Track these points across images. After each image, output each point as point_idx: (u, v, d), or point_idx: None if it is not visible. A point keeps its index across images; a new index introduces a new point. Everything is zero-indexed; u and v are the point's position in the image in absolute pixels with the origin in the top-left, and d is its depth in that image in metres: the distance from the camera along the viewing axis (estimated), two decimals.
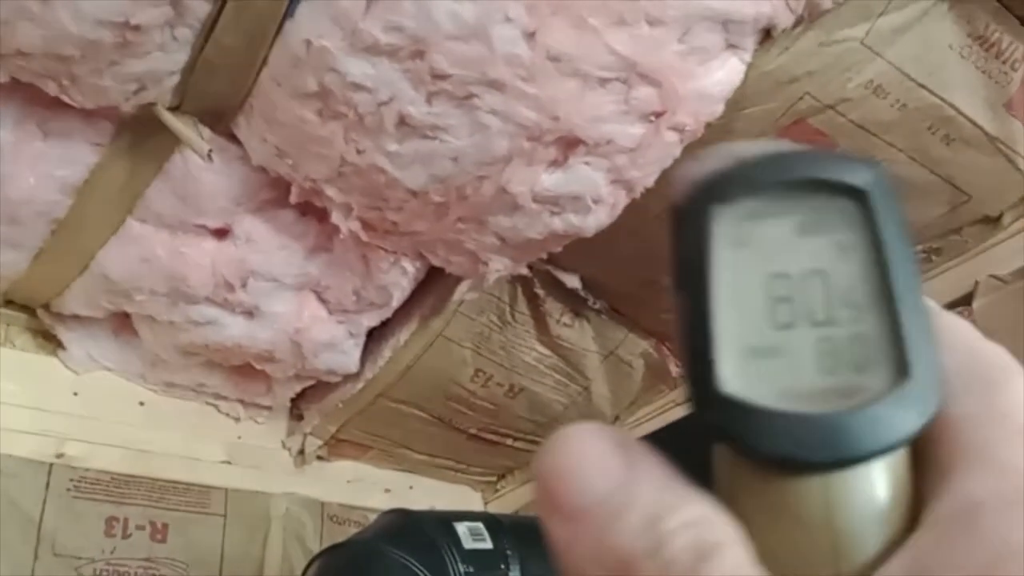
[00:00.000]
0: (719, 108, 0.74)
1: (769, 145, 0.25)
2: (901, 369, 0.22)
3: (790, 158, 0.24)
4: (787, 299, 0.23)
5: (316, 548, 1.12)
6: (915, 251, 0.25)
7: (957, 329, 0.24)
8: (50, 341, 1.08)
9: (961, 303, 0.89)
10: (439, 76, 0.71)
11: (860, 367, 0.22)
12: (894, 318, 0.22)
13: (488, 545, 0.77)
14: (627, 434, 0.22)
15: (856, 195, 0.23)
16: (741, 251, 0.23)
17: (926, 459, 0.22)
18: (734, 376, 0.22)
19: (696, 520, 0.20)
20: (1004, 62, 0.79)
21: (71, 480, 1.01)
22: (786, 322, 0.23)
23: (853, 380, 0.22)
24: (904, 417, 0.21)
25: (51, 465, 1.00)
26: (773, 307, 0.23)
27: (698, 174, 0.24)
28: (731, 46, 0.74)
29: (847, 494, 0.21)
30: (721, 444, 0.23)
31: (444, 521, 0.79)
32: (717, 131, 0.76)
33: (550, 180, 0.79)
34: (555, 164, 0.78)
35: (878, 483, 0.22)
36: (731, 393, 0.22)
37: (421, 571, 0.73)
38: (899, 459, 0.22)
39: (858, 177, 0.23)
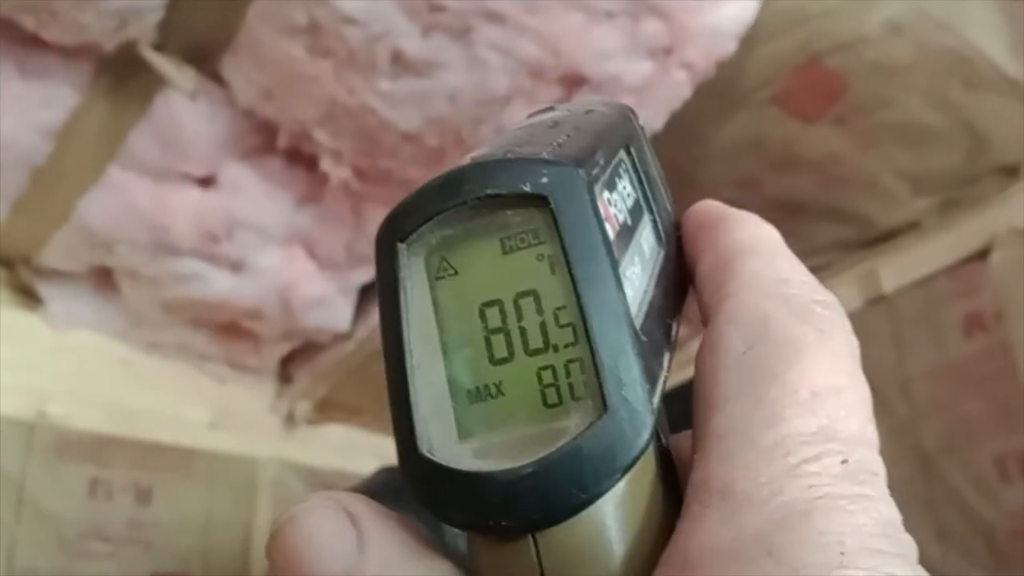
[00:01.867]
0: (731, 46, 0.71)
1: (451, 169, 0.23)
2: (600, 400, 0.20)
3: (468, 175, 0.22)
4: (501, 329, 0.21)
5: None
6: (612, 250, 0.21)
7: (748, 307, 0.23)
8: (30, 297, 1.04)
9: (977, 257, 0.86)
10: (436, 8, 0.68)
11: (575, 398, 0.20)
12: (590, 342, 0.20)
13: None
14: (360, 501, 0.22)
15: (540, 202, 0.21)
16: (444, 285, 0.22)
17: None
18: (436, 433, 0.21)
19: None
20: None
21: (53, 440, 0.98)
22: (503, 356, 0.21)
23: (568, 415, 0.20)
24: (604, 459, 0.19)
25: (33, 424, 0.97)
26: (488, 341, 0.21)
27: (393, 208, 0.23)
28: None
29: (563, 546, 0.20)
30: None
31: None
32: (729, 70, 0.72)
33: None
34: (559, 104, 0.74)
35: (601, 522, 0.20)
36: (427, 454, 0.20)
37: (417, 527, 0.70)
38: (637, 475, 0.20)
39: (534, 182, 0.21)
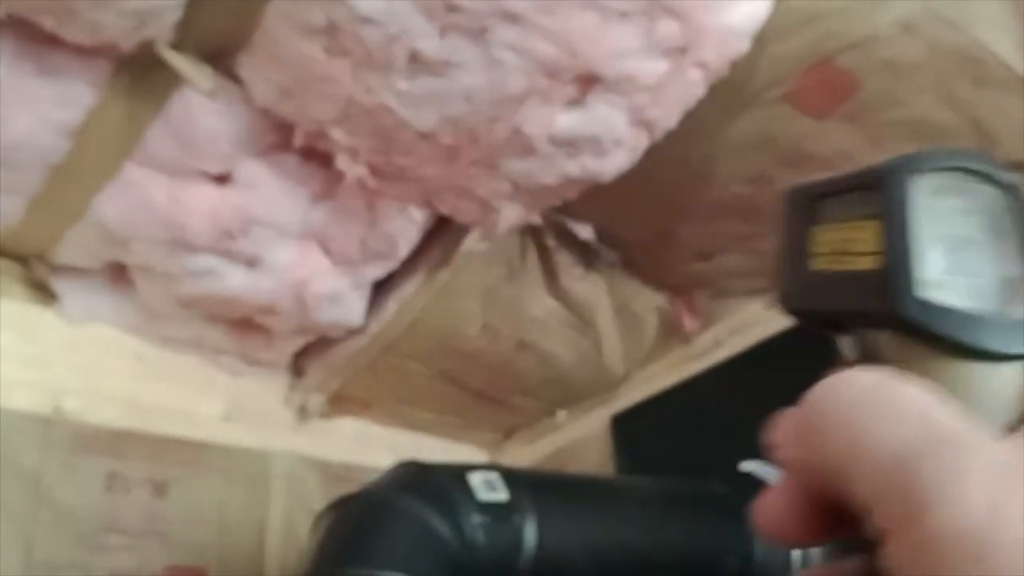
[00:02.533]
0: (745, 44, 0.71)
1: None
2: None
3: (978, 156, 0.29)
4: (977, 218, 0.28)
5: (319, 507, 1.10)
6: None
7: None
8: (45, 293, 1.05)
9: None
10: (453, 8, 0.68)
11: None
12: None
13: (503, 497, 0.75)
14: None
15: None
16: (939, 198, 0.28)
17: None
18: (938, 274, 0.27)
19: None
20: None
21: (70, 435, 0.99)
22: (980, 229, 0.28)
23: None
24: None
25: (49, 419, 0.98)
26: (968, 222, 0.28)
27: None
28: None
29: (1001, 376, 0.27)
30: (918, 339, 0.27)
31: (458, 472, 0.77)
32: (742, 69, 0.73)
33: (567, 121, 0.76)
34: (572, 103, 0.75)
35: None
36: (929, 298, 0.27)
37: (435, 522, 0.71)
38: None
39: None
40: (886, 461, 0.22)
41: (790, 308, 0.32)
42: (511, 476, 0.78)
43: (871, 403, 0.23)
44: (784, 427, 0.26)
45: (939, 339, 0.26)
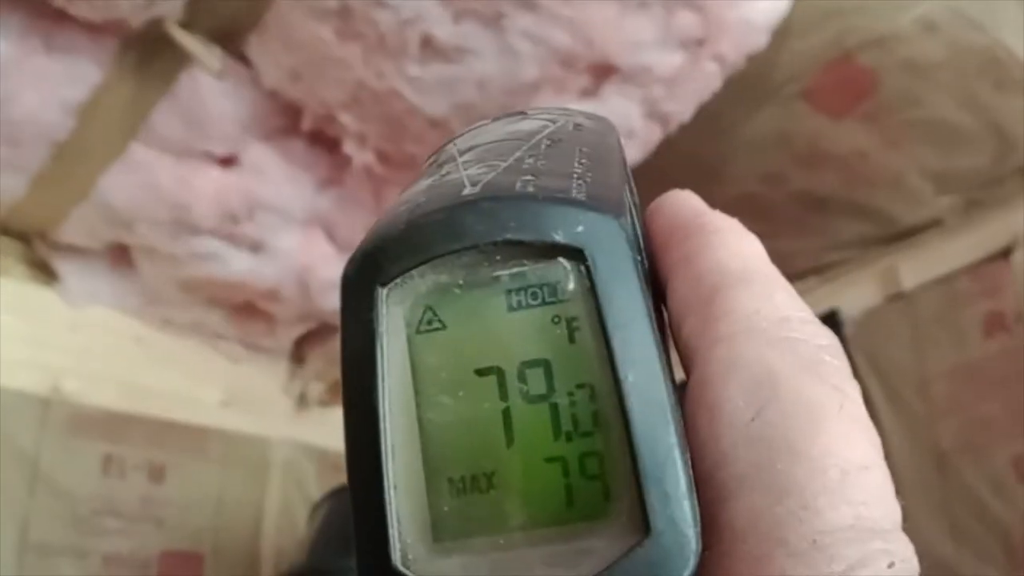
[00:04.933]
0: (763, 39, 0.70)
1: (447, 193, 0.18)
2: (640, 518, 0.16)
3: (482, 212, 0.17)
4: (497, 406, 0.17)
5: (317, 496, 1.09)
6: (653, 323, 0.18)
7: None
8: (46, 273, 1.04)
9: (1000, 256, 0.86)
10: None
11: (593, 505, 0.16)
12: (630, 439, 0.16)
13: None
14: None
15: (570, 255, 0.17)
16: (427, 341, 0.18)
17: None
18: (411, 536, 0.17)
19: None
20: None
21: (68, 416, 0.98)
22: (498, 440, 0.17)
23: (586, 528, 0.16)
24: None
25: (48, 400, 0.97)
26: (480, 418, 0.17)
27: (367, 240, 0.19)
28: None
29: None
30: None
31: None
32: (759, 64, 0.72)
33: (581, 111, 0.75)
34: (586, 94, 0.74)
35: None
36: (400, 568, 0.16)
37: None
38: None
39: (568, 231, 0.17)
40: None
41: None
42: None
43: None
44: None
45: None
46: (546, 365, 0.17)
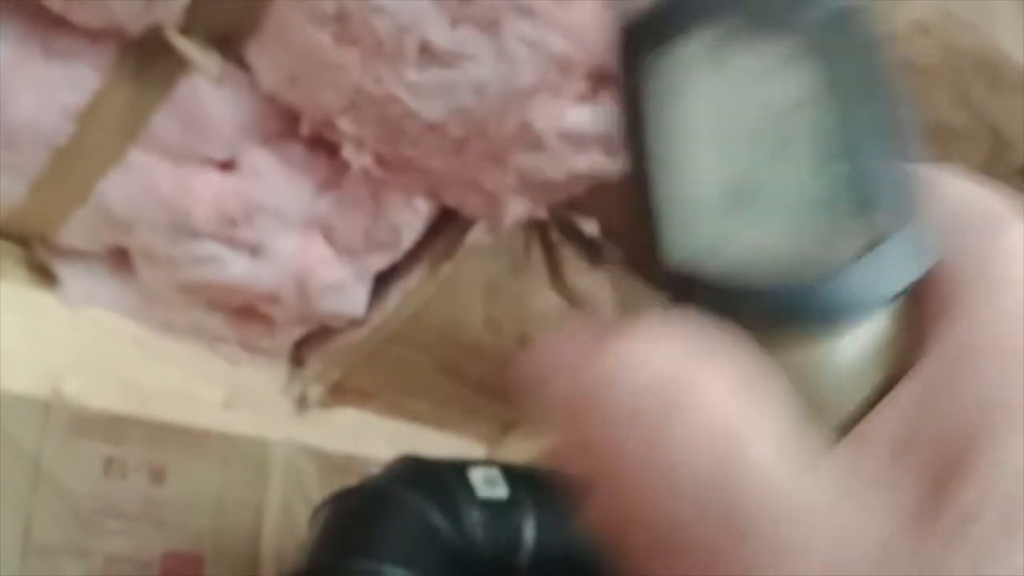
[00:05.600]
0: None
1: None
2: (885, 222, 0.19)
3: None
4: (767, 130, 0.20)
5: (318, 498, 1.10)
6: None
7: (948, 183, 0.22)
8: (46, 275, 1.04)
9: None
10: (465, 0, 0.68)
11: (850, 213, 0.19)
12: (881, 162, 0.19)
13: (503, 494, 0.74)
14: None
15: (834, 16, 0.20)
16: (713, 78, 0.20)
17: (922, 302, 0.20)
18: (685, 240, 0.19)
19: None
20: None
21: (69, 418, 0.99)
22: (766, 155, 0.20)
23: (840, 228, 0.19)
24: (884, 277, 0.19)
25: (49, 402, 0.98)
26: (752, 137, 0.20)
27: None
28: None
29: (830, 354, 0.19)
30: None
31: (459, 468, 0.76)
32: None
33: (577, 116, 0.75)
34: (583, 99, 0.74)
35: (865, 339, 0.19)
36: (679, 267, 0.19)
37: (435, 517, 0.70)
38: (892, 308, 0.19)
39: None
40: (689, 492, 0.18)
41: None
42: (511, 473, 0.77)
43: (662, 410, 0.19)
44: (552, 389, 0.21)
45: (734, 322, 0.19)
46: (810, 108, 0.20)
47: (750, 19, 0.19)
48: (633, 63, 0.19)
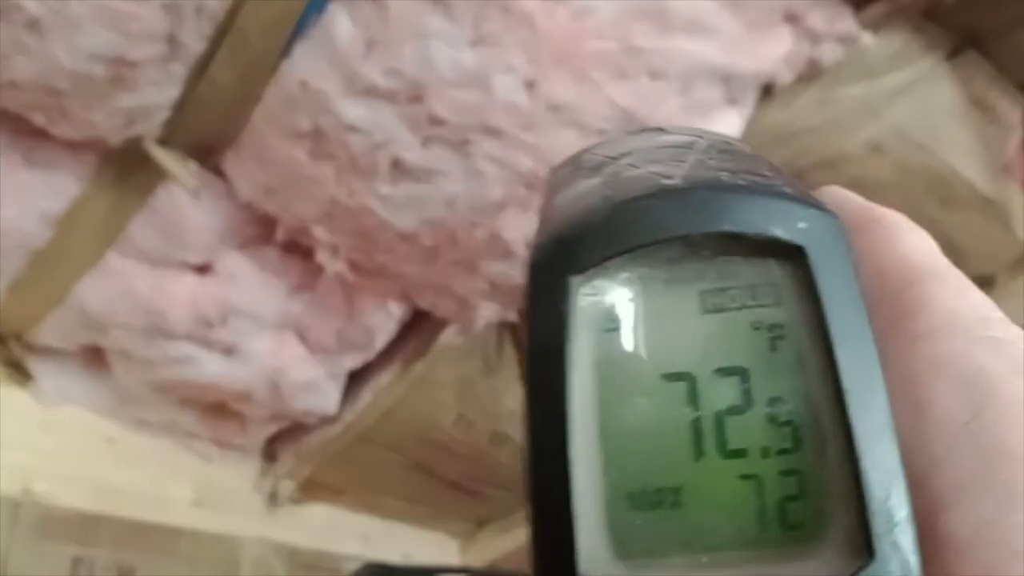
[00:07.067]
0: None
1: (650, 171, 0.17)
2: (859, 540, 0.15)
3: (697, 201, 0.16)
4: (687, 414, 0.16)
5: None
6: (870, 330, 0.16)
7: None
8: (20, 372, 1.04)
9: None
10: (436, 121, 0.70)
11: (798, 527, 0.15)
12: (851, 453, 0.15)
13: None
14: None
15: (789, 253, 0.16)
16: (619, 343, 0.16)
17: None
18: (601, 553, 0.15)
19: None
20: (1000, 126, 0.79)
21: (38, 518, 0.98)
22: (687, 452, 0.16)
23: (793, 552, 0.15)
24: None
25: (19, 501, 0.97)
26: (668, 428, 0.16)
27: (551, 224, 0.17)
28: (731, 100, 0.73)
29: None
30: None
31: (427, 574, 0.76)
32: None
33: None
34: None
35: None
36: None
37: None
38: None
39: (789, 227, 0.16)
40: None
41: None
42: None
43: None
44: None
45: None
46: (743, 374, 0.16)
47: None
48: (550, 286, 0.16)
